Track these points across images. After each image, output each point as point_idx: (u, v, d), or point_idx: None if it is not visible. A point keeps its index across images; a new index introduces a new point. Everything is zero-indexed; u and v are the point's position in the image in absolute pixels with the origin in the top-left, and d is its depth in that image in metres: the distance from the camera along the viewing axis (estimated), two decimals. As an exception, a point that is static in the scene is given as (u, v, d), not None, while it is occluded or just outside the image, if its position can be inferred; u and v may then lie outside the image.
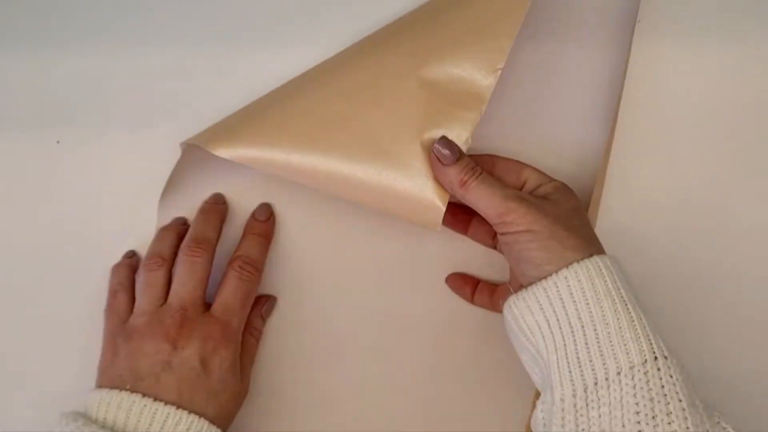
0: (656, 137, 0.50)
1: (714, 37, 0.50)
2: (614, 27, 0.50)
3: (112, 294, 0.47)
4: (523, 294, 0.40)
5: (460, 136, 0.43)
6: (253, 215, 0.49)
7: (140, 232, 0.49)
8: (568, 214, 0.41)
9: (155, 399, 0.41)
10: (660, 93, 0.50)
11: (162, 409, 0.41)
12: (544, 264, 0.39)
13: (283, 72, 0.49)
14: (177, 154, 0.49)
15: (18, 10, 0.50)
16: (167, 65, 0.50)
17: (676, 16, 0.50)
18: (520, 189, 0.44)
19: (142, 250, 0.49)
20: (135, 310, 0.45)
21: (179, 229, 0.48)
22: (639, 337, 0.37)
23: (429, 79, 0.43)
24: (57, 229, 0.50)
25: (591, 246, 0.40)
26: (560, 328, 0.39)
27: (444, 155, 0.42)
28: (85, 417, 0.41)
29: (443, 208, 0.43)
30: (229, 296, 0.45)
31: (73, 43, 0.50)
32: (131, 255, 0.49)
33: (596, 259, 0.39)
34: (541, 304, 0.39)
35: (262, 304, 0.49)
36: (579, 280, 0.38)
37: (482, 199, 0.41)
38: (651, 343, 0.37)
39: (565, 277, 0.39)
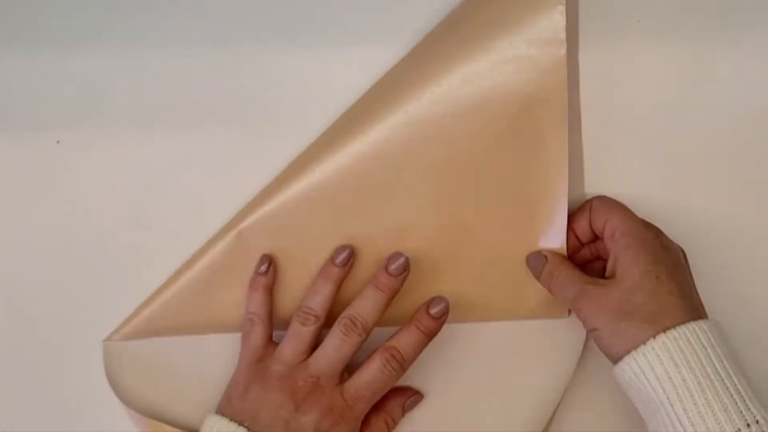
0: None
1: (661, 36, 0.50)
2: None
3: (249, 322, 0.46)
4: (613, 373, 0.43)
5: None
6: (386, 269, 0.45)
7: (140, 232, 0.50)
8: (635, 288, 0.42)
9: None
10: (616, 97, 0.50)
11: None
12: (613, 355, 0.42)
13: (285, 73, 0.49)
14: (176, 153, 0.50)
15: (18, 10, 0.50)
16: (167, 66, 0.50)
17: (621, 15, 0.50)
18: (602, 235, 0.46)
19: (144, 250, 0.49)
20: (277, 353, 0.45)
21: (339, 276, 0.46)
22: (704, 419, 0.38)
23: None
24: (57, 229, 0.50)
25: (655, 324, 0.40)
26: (643, 408, 0.41)
27: (532, 270, 0.47)
28: None
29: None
30: (364, 382, 0.44)
31: (73, 44, 0.50)
32: (265, 269, 0.46)
33: (653, 343, 0.40)
34: (623, 384, 0.42)
35: (407, 396, 0.48)
36: (641, 367, 0.40)
37: (564, 300, 0.45)
38: (720, 421, 0.38)
39: (629, 365, 0.41)
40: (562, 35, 0.43)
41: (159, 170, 0.50)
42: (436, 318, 0.45)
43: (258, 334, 0.46)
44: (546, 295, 0.47)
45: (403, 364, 0.44)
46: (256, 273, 0.47)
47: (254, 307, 0.46)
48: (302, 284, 0.47)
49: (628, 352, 0.41)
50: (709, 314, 0.43)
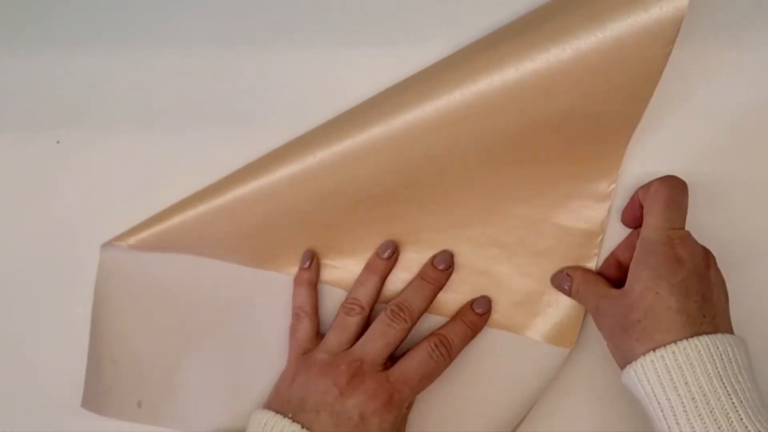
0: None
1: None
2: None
3: (296, 317, 0.48)
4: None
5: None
6: (432, 263, 0.47)
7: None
8: (633, 304, 0.41)
9: None
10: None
11: None
12: (619, 363, 0.43)
13: (286, 72, 0.49)
14: (176, 153, 0.50)
15: (18, 10, 0.50)
16: (168, 65, 0.50)
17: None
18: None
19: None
20: (322, 343, 0.46)
21: (384, 270, 0.47)
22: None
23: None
24: (57, 229, 0.50)
25: (646, 341, 0.40)
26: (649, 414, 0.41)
27: (558, 289, 0.47)
28: None
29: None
30: (411, 367, 0.44)
31: (73, 44, 0.50)
32: (308, 264, 0.48)
33: (642, 361, 0.40)
34: (631, 389, 0.42)
35: None
36: (633, 381, 0.41)
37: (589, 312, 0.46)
38: None
39: (624, 378, 0.42)
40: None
41: (159, 170, 0.50)
42: (480, 315, 0.47)
43: (305, 327, 0.47)
44: (558, 320, 0.47)
45: (451, 352, 0.45)
46: (300, 269, 0.48)
47: (300, 301, 0.48)
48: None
49: (623, 367, 0.41)
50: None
